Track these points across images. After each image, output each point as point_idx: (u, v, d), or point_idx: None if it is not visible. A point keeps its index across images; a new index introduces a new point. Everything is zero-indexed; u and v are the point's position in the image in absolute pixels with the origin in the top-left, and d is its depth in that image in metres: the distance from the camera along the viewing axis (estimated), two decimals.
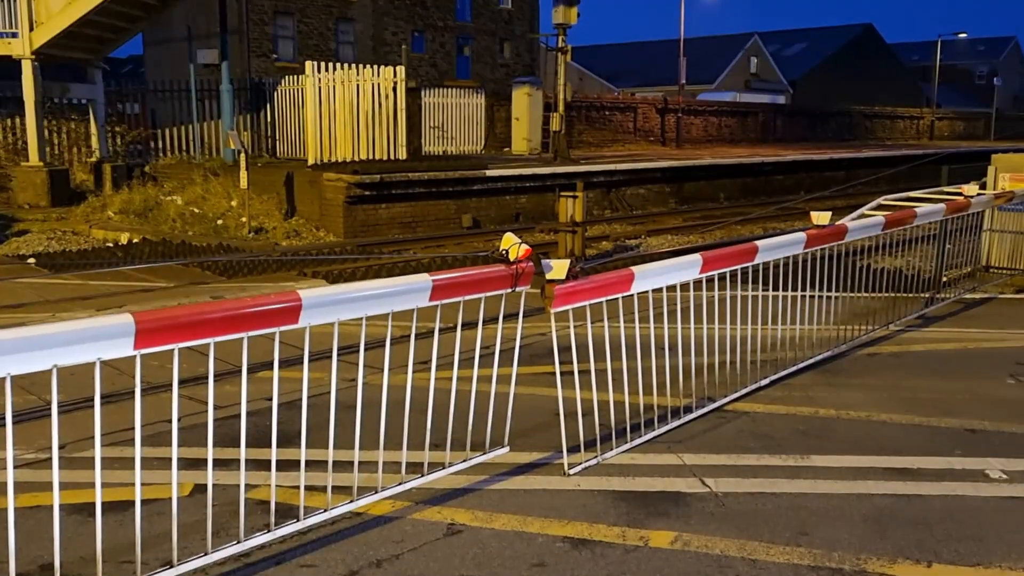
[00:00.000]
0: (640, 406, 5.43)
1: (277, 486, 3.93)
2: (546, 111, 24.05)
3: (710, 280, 5.65)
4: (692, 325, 6.02)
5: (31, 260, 12.69)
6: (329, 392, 4.01)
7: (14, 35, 17.25)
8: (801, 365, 6.72)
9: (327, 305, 3.72)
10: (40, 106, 17.94)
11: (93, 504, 3.33)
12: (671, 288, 5.33)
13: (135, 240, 14.50)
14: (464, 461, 4.66)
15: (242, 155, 15.16)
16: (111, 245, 14.29)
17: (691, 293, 5.66)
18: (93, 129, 20.38)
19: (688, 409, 5.61)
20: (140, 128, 22.52)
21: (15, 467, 3.32)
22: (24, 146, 18.77)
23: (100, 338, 3.18)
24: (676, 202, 22.31)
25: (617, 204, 20.81)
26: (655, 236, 16.54)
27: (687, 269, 5.37)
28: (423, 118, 23.17)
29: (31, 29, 17.30)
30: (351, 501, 4.12)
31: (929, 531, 4.11)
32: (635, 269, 4.92)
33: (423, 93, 23.48)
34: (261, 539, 3.78)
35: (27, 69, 17.48)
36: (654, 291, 5.14)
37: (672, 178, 22.48)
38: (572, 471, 4.71)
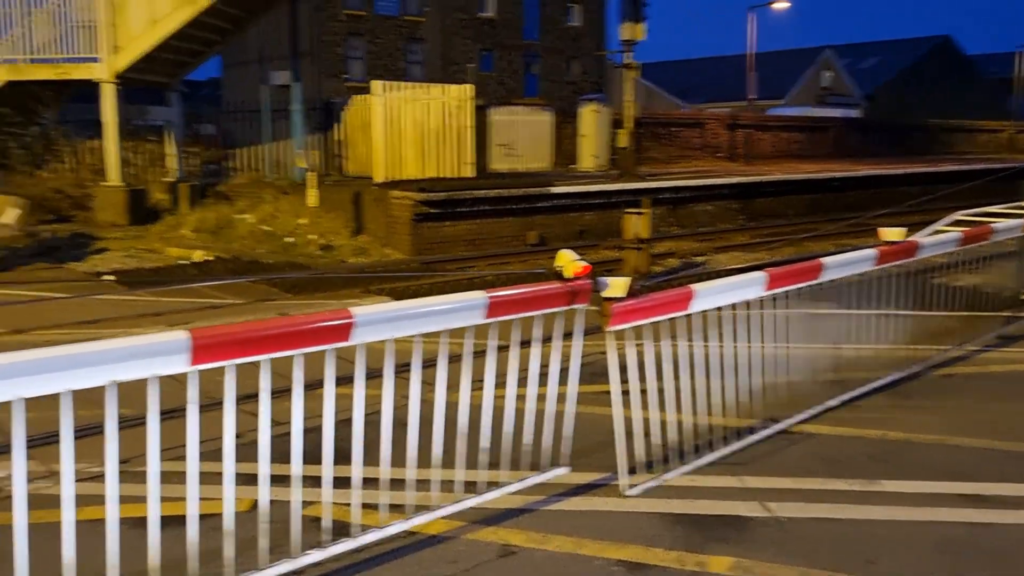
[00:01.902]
0: (701, 427, 5.31)
1: (332, 503, 3.94)
2: (613, 128, 23.98)
3: (775, 298, 5.52)
4: (756, 344, 5.88)
5: (110, 277, 13.08)
6: (388, 409, 4.01)
7: (95, 60, 17.88)
8: (871, 386, 6.51)
9: (380, 323, 3.72)
10: (120, 128, 18.53)
11: (151, 518, 3.38)
12: (734, 306, 5.22)
13: (209, 258, 14.85)
14: (520, 481, 4.61)
15: (311, 174, 15.43)
16: (185, 263, 14.66)
17: (755, 311, 5.53)
18: (170, 150, 20.98)
19: (751, 430, 5.48)
20: (215, 148, 23.12)
21: (79, 480, 3.38)
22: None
23: (157, 354, 3.24)
24: (744, 219, 21.99)
25: (684, 221, 20.59)
26: (723, 253, 16.32)
27: (750, 287, 5.26)
28: (490, 136, 23.30)
29: (112, 54, 17.91)
30: (405, 520, 4.11)
31: (1004, 563, 3.92)
32: (695, 287, 4.83)
33: (490, 111, 23.62)
34: (314, 557, 3.79)
35: (107, 92, 18.08)
36: (716, 309, 5.04)
37: (740, 194, 22.18)
38: (629, 492, 4.62)
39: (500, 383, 4.45)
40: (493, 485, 4.51)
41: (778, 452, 5.31)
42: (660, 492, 4.67)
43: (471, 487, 4.44)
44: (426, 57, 42.62)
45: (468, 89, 18.68)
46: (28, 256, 14.58)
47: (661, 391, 4.81)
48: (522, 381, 4.53)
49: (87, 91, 18.70)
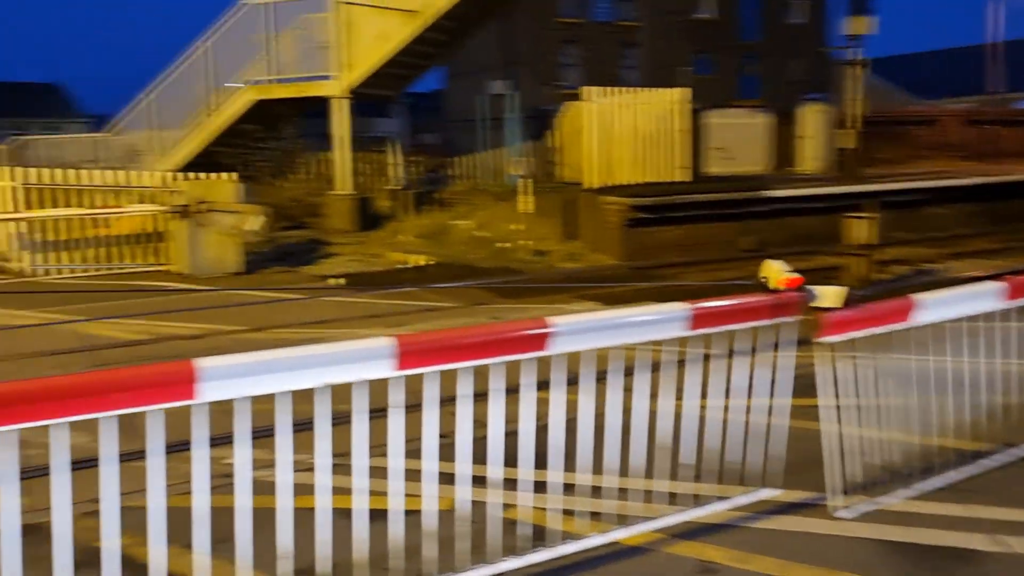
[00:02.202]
0: (925, 448, 4.92)
1: (532, 507, 3.97)
2: (837, 128, 22.86)
3: (1016, 310, 5.02)
4: (991, 359, 5.37)
5: (339, 280, 13.97)
6: (587, 417, 4.00)
7: (326, 78, 19.18)
8: None
9: (578, 333, 3.73)
10: (349, 140, 19.74)
11: (358, 511, 3.55)
12: (966, 319, 4.79)
13: (430, 263, 15.52)
14: (725, 500, 4.45)
15: (525, 180, 15.76)
16: (405, 267, 15.39)
17: (991, 324, 5.05)
18: (393, 159, 22.12)
19: (984, 455, 5.01)
20: (435, 157, 24.15)
21: (299, 471, 3.61)
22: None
23: (365, 359, 3.41)
24: (986, 222, 20.24)
25: (915, 225, 19.25)
26: (959, 260, 15.13)
27: (984, 298, 4.82)
28: (704, 139, 22.83)
29: (343, 71, 19.13)
30: (604, 533, 4.07)
31: None
32: (918, 297, 4.49)
33: (705, 114, 23.14)
34: (512, 564, 3.83)
35: (339, 107, 19.32)
36: (944, 321, 4.66)
37: (980, 196, 20.46)
38: (841, 514, 4.36)
39: (702, 393, 4.33)
40: (697, 499, 4.38)
41: (1017, 481, 4.83)
42: (876, 517, 4.37)
43: (672, 499, 4.34)
44: (640, 62, 42.42)
45: (682, 92, 18.42)
46: (269, 260, 15.85)
47: (879, 408, 4.50)
48: (725, 392, 4.38)
49: (321, 107, 20.08)
